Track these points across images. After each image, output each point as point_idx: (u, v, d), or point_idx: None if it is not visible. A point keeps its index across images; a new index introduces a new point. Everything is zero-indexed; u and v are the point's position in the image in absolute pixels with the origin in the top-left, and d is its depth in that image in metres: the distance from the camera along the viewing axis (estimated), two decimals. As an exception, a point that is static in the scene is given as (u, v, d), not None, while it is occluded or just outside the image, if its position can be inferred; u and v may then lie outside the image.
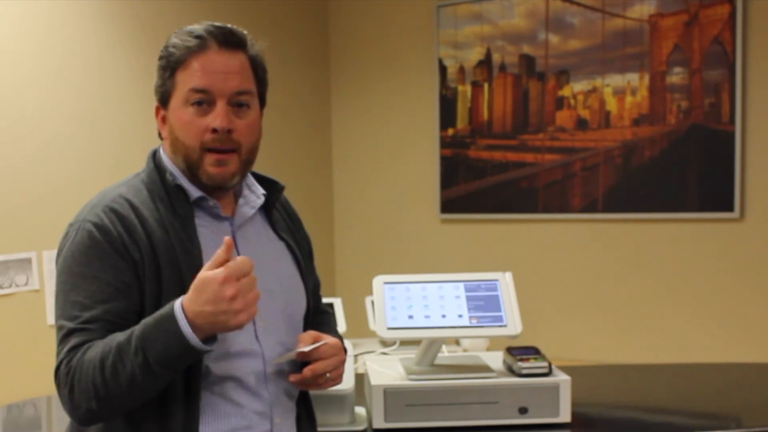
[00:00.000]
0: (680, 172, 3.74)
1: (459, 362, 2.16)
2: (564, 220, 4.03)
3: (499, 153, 4.18)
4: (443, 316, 2.02)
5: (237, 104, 1.56)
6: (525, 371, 2.03)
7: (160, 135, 1.63)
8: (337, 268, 4.67)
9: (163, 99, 1.59)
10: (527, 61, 4.08)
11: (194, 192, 1.59)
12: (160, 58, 1.58)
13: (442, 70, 4.29)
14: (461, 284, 2.07)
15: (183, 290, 1.48)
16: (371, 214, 4.57)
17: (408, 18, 4.39)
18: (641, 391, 2.49)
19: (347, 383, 1.92)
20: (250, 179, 1.68)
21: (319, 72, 4.60)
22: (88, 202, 1.58)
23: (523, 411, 2.01)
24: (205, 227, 1.59)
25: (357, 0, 4.55)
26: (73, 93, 3.25)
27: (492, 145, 4.20)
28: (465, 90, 4.25)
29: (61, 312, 1.49)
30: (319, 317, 1.80)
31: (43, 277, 3.10)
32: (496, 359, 2.18)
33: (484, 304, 2.04)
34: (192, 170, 1.57)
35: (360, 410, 2.10)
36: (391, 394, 2.00)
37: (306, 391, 1.72)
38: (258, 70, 1.61)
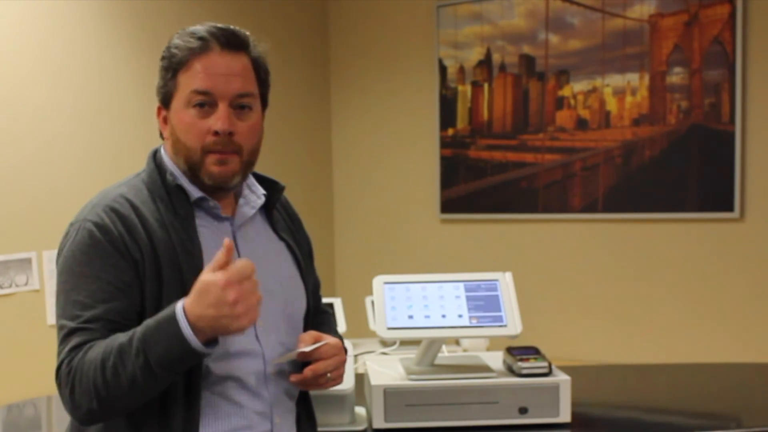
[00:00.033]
0: (680, 172, 3.74)
1: (459, 362, 2.16)
2: (564, 220, 4.03)
3: (499, 153, 4.18)
4: (443, 316, 2.02)
5: (239, 106, 1.56)
6: (525, 371, 2.03)
7: (161, 135, 1.63)
8: (337, 268, 4.67)
9: (165, 100, 1.59)
10: (527, 61, 4.08)
11: (195, 192, 1.59)
12: (162, 58, 1.58)
13: (442, 70, 4.29)
14: (461, 284, 2.07)
15: (183, 290, 1.48)
16: (371, 214, 4.57)
17: (408, 18, 4.39)
18: (641, 391, 2.49)
19: (347, 383, 1.92)
20: (251, 179, 1.68)
21: (319, 72, 4.60)
22: (89, 202, 1.58)
23: (523, 411, 2.01)
24: (205, 227, 1.59)
25: (357, 0, 4.55)
26: (73, 93, 3.25)
27: (492, 145, 4.20)
28: (465, 90, 4.25)
29: (62, 311, 1.49)
30: (319, 317, 1.80)
31: (43, 277, 3.10)
32: (496, 359, 2.18)
33: (484, 304, 2.04)
34: (193, 171, 1.57)
35: (360, 410, 2.10)
36: (391, 394, 2.00)
37: (306, 391, 1.72)
38: (260, 71, 1.61)
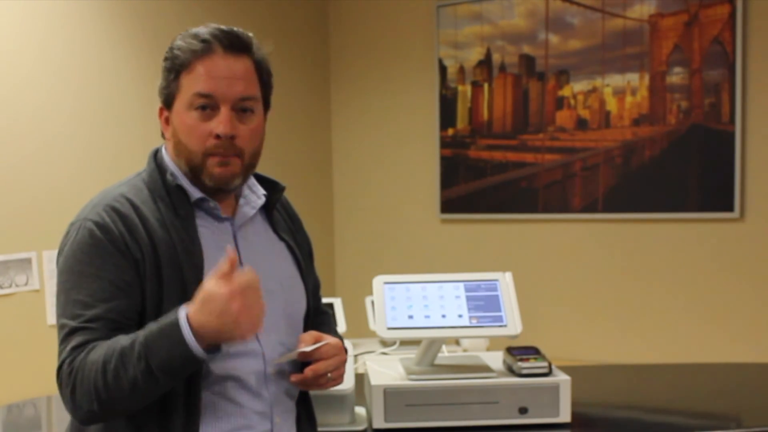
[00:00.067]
0: (680, 172, 3.74)
1: (459, 362, 2.16)
2: (564, 220, 4.03)
3: (499, 153, 4.18)
4: (443, 316, 2.02)
5: (241, 109, 1.56)
6: (525, 371, 2.03)
7: (163, 135, 1.63)
8: (337, 268, 4.67)
9: (167, 101, 1.59)
10: (527, 61, 4.08)
11: (195, 193, 1.59)
12: (165, 59, 1.58)
13: (442, 70, 4.29)
14: (461, 284, 2.07)
15: (184, 289, 1.49)
16: (371, 214, 4.57)
17: (408, 18, 4.39)
18: (641, 391, 2.49)
19: (347, 383, 1.92)
20: (251, 180, 1.69)
21: (319, 72, 4.60)
22: (89, 202, 1.58)
23: (523, 411, 2.01)
24: (205, 227, 1.59)
25: (357, 0, 4.55)
26: (73, 93, 3.25)
27: (492, 145, 4.20)
28: (465, 90, 4.25)
29: (63, 310, 1.49)
30: (319, 317, 1.80)
31: (43, 277, 3.10)
32: (496, 359, 2.18)
33: (484, 304, 2.04)
34: (194, 173, 1.57)
35: (360, 410, 2.10)
36: (391, 394, 2.00)
37: (306, 391, 1.72)
38: (263, 73, 1.61)
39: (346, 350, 1.71)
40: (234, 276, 1.39)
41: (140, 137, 3.44)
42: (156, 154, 1.64)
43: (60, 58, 3.20)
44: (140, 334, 1.42)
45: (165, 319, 1.42)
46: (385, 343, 2.86)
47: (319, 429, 1.80)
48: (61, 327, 1.49)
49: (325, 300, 2.15)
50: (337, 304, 3.05)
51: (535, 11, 4.04)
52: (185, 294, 1.50)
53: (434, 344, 2.08)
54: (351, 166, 4.63)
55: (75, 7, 3.26)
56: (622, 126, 3.87)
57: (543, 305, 4.01)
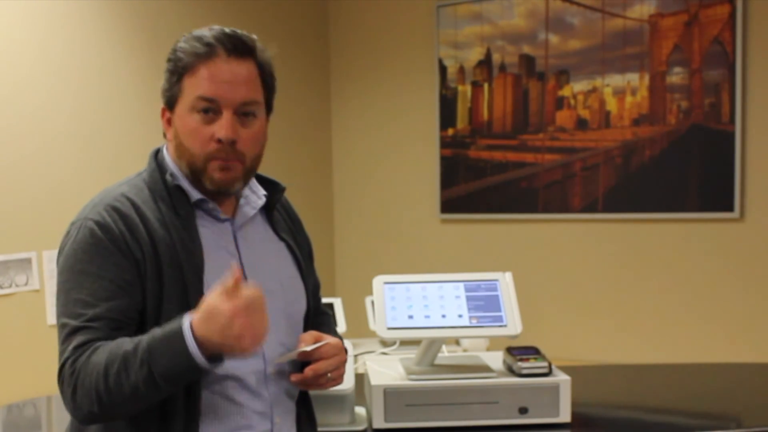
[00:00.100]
0: (680, 172, 3.74)
1: (459, 362, 2.16)
2: (564, 220, 4.03)
3: (499, 153, 4.18)
4: (443, 316, 2.02)
5: (243, 113, 1.56)
6: (525, 371, 2.03)
7: (164, 134, 1.63)
8: (337, 268, 4.67)
9: (170, 102, 1.58)
10: (527, 61, 4.08)
11: (195, 194, 1.59)
12: (168, 60, 1.58)
13: (442, 70, 4.29)
14: (461, 284, 2.07)
15: (185, 289, 1.49)
16: (371, 214, 4.57)
17: (408, 18, 4.39)
18: (641, 391, 2.49)
19: (347, 383, 1.92)
20: (252, 180, 1.69)
21: (319, 72, 4.60)
22: (90, 201, 1.58)
23: (523, 411, 2.01)
24: (206, 227, 1.60)
25: (357, 0, 4.55)
26: (73, 93, 3.25)
27: (492, 145, 4.20)
28: (465, 90, 4.25)
29: (64, 309, 1.49)
30: (318, 318, 1.80)
31: (43, 277, 3.10)
32: (496, 359, 2.18)
33: (484, 304, 2.04)
34: (195, 176, 1.57)
35: (360, 410, 2.10)
36: (391, 394, 2.00)
37: (306, 391, 1.72)
38: (266, 77, 1.60)
39: (346, 350, 1.71)
40: (238, 292, 1.38)
41: (140, 137, 3.44)
42: (157, 154, 1.64)
43: (60, 58, 3.20)
44: (143, 340, 1.42)
45: (169, 327, 1.41)
46: (385, 343, 2.86)
47: (320, 429, 1.80)
48: (62, 326, 1.49)
49: (325, 300, 2.15)
50: (337, 304, 3.06)
51: (535, 11, 4.04)
52: (186, 294, 1.50)
53: (434, 344, 2.08)
54: (351, 166, 4.63)
55: (75, 7, 3.26)
56: (622, 126, 3.87)
57: (543, 305, 4.01)
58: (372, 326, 2.85)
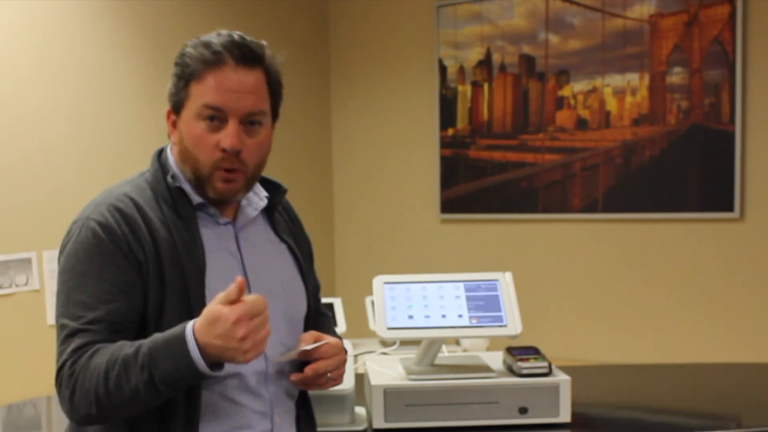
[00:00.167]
0: (680, 172, 3.74)
1: (459, 362, 2.15)
2: (564, 220, 4.03)
3: (499, 153, 4.18)
4: (443, 316, 2.02)
5: (249, 122, 1.55)
6: (525, 371, 2.03)
7: (169, 136, 1.63)
8: (337, 268, 4.67)
9: (176, 107, 1.58)
10: (527, 61, 4.08)
11: (196, 198, 1.59)
12: (176, 64, 1.57)
13: (442, 70, 4.29)
14: (461, 284, 2.07)
15: (186, 291, 1.49)
16: (371, 214, 4.57)
17: (408, 18, 4.39)
18: (641, 391, 2.49)
19: (347, 383, 1.92)
20: (254, 181, 1.69)
21: (319, 72, 4.60)
22: (92, 200, 1.58)
23: (523, 411, 2.01)
24: (208, 228, 1.60)
25: (357, 0, 4.55)
26: (73, 93, 3.25)
27: (492, 145, 4.20)
28: (465, 90, 4.25)
29: (64, 310, 1.49)
30: (318, 319, 1.80)
31: (43, 277, 3.10)
32: (496, 359, 2.18)
33: (484, 304, 2.04)
34: (199, 182, 1.57)
35: (360, 410, 2.10)
36: (391, 394, 2.00)
37: (305, 391, 1.73)
38: (273, 85, 1.60)
39: (345, 351, 1.71)
40: (242, 300, 1.38)
41: (140, 137, 3.44)
42: (160, 154, 1.64)
43: (60, 58, 3.20)
44: (144, 344, 1.42)
45: (170, 332, 1.42)
46: (385, 343, 2.86)
47: (320, 429, 1.80)
48: (61, 327, 1.49)
49: (325, 300, 2.15)
50: (337, 304, 3.06)
51: (535, 11, 4.04)
52: (187, 295, 1.50)
53: (434, 344, 2.08)
54: (351, 166, 4.63)
55: (75, 7, 3.26)
56: (622, 126, 3.87)
57: (543, 305, 4.01)
58: (372, 326, 2.85)
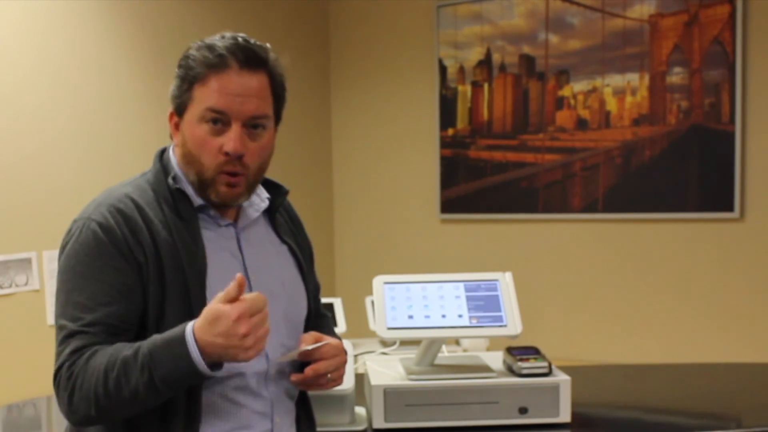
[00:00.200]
0: (680, 172, 3.74)
1: (459, 362, 2.16)
2: (564, 220, 4.03)
3: (499, 153, 4.18)
4: (443, 316, 2.02)
5: (252, 126, 1.55)
6: (525, 371, 2.03)
7: (171, 137, 1.63)
8: (337, 268, 4.67)
9: (179, 109, 1.57)
10: (527, 61, 4.08)
11: (197, 200, 1.59)
12: (179, 67, 1.56)
13: (442, 70, 4.29)
14: (461, 284, 2.07)
15: (186, 292, 1.49)
16: (371, 214, 4.57)
17: (408, 18, 4.39)
18: (641, 391, 2.49)
19: (347, 383, 1.92)
20: (255, 182, 1.68)
21: (319, 72, 4.60)
22: (93, 200, 1.58)
23: (523, 411, 2.01)
24: (209, 230, 1.59)
25: (357, 0, 4.55)
26: (72, 93, 3.25)
27: (492, 145, 4.20)
28: (465, 90, 4.25)
29: (63, 311, 1.49)
30: (318, 320, 1.80)
31: (43, 277, 3.10)
32: (496, 359, 2.18)
33: (484, 304, 2.04)
34: (202, 186, 1.56)
35: (360, 410, 2.10)
36: (391, 394, 2.00)
37: (305, 392, 1.73)
38: (277, 88, 1.59)
39: (346, 352, 1.71)
40: (242, 298, 1.39)
41: (140, 137, 3.44)
42: (162, 155, 1.63)
43: (60, 58, 3.20)
44: (144, 345, 1.42)
45: (170, 333, 1.42)
46: (385, 343, 2.86)
47: (320, 429, 1.80)
48: (60, 328, 1.49)
49: (325, 300, 2.15)
50: (337, 304, 3.06)
51: (535, 11, 4.04)
52: (188, 296, 1.50)
53: (434, 344, 2.08)
54: (351, 166, 4.63)
55: (75, 7, 3.26)
56: (622, 126, 3.87)
57: (543, 305, 4.01)
58: (372, 326, 2.85)
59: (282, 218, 1.75)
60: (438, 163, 4.32)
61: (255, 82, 1.54)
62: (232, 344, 1.38)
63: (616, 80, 3.87)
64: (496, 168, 4.18)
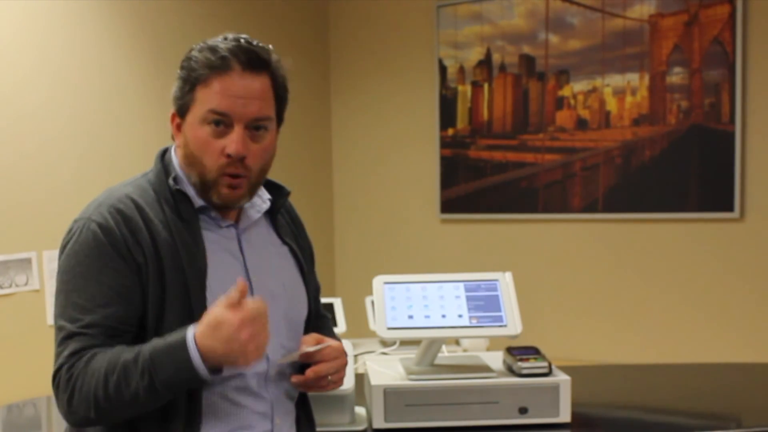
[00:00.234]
0: (680, 172, 3.74)
1: (459, 362, 2.15)
2: (564, 220, 4.03)
3: (499, 153, 4.18)
4: (443, 316, 2.02)
5: (254, 128, 1.55)
6: (525, 371, 2.03)
7: (173, 138, 1.63)
8: (337, 268, 4.67)
9: (181, 110, 1.57)
10: (527, 61, 4.08)
11: (198, 201, 1.59)
12: (182, 68, 1.56)
13: (442, 70, 4.29)
14: (461, 284, 2.07)
15: (187, 293, 1.49)
16: (371, 214, 4.57)
17: (408, 18, 4.39)
18: (641, 391, 2.49)
19: (347, 383, 1.92)
20: (257, 183, 1.68)
21: (319, 72, 4.60)
22: (94, 200, 1.58)
23: (523, 411, 2.01)
24: (209, 231, 1.59)
25: (357, 0, 4.55)
26: (72, 93, 3.25)
27: (492, 145, 4.20)
28: (465, 90, 4.25)
29: (62, 311, 1.49)
30: (318, 321, 1.80)
31: (43, 277, 3.10)
32: (496, 359, 2.18)
33: (484, 304, 2.04)
34: (204, 187, 1.56)
35: (360, 410, 2.10)
36: (391, 394, 2.00)
37: (305, 393, 1.73)
38: (279, 90, 1.59)
39: (346, 354, 1.72)
40: (244, 304, 1.39)
41: (140, 137, 3.44)
42: (164, 155, 1.63)
43: (60, 58, 3.20)
44: (144, 349, 1.42)
45: (171, 338, 1.42)
46: (385, 343, 2.86)
47: (320, 429, 1.80)
48: (59, 328, 1.49)
49: (324, 300, 2.15)
50: (337, 304, 3.06)
51: (535, 11, 4.04)
52: (188, 297, 1.50)
53: (434, 344, 2.08)
54: (351, 166, 4.63)
55: (75, 7, 3.26)
56: (622, 126, 3.87)
57: (543, 305, 4.01)
58: (372, 326, 2.85)
59: (283, 219, 1.75)
60: (438, 163, 4.32)
61: (257, 84, 1.54)
62: (234, 350, 1.39)
63: (616, 80, 3.87)
64: (496, 168, 4.18)
